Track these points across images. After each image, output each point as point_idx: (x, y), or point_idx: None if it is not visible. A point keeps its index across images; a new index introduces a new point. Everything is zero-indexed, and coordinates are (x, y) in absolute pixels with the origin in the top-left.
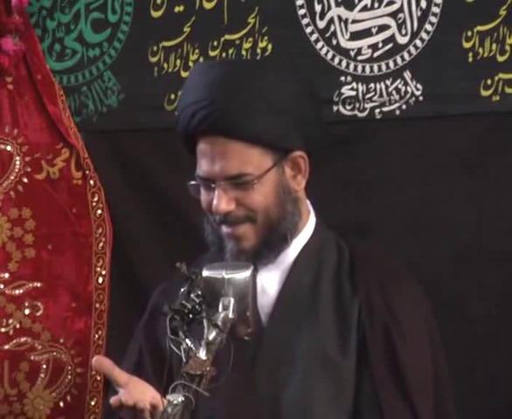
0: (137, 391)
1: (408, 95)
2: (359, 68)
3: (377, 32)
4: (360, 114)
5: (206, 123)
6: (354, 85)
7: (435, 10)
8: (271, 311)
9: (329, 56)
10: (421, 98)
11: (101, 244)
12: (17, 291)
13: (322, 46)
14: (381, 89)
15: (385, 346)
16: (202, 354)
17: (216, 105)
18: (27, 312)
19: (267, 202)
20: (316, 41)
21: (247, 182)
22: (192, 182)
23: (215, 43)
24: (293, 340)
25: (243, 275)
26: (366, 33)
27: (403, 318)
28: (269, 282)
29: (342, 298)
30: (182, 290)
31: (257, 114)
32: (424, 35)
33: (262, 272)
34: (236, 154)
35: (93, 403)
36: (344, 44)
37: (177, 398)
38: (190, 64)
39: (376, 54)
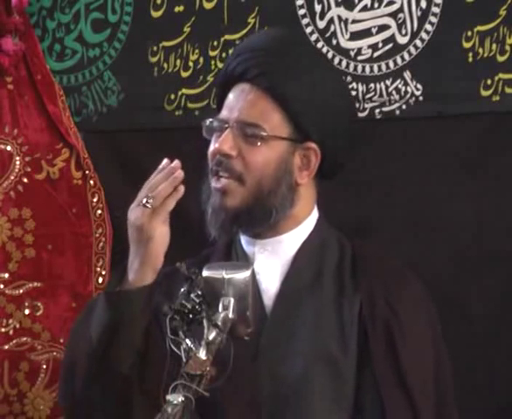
0: None
1: (408, 95)
2: (359, 68)
3: (377, 32)
4: (360, 114)
5: (245, 65)
6: (354, 85)
7: (435, 10)
8: (271, 308)
9: (329, 56)
10: (421, 98)
11: (101, 244)
12: (17, 291)
13: (322, 46)
14: (381, 89)
15: (387, 345)
16: (202, 354)
17: (261, 53)
18: (27, 312)
19: (265, 168)
20: (316, 41)
21: (257, 135)
22: (209, 121)
23: (215, 43)
24: (293, 338)
25: (243, 275)
26: (366, 33)
27: (404, 316)
28: (270, 277)
29: (343, 296)
30: (182, 290)
31: (296, 83)
32: (424, 35)
33: (263, 267)
34: (260, 106)
35: None
36: (344, 44)
37: (177, 398)
38: (190, 64)
39: (376, 54)
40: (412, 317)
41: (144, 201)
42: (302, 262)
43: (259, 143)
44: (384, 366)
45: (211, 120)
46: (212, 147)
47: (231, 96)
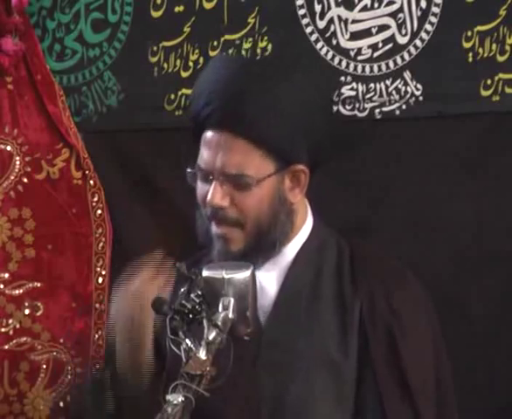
0: None
1: (408, 95)
2: (359, 68)
3: (377, 32)
4: (360, 114)
5: (216, 115)
6: (354, 85)
7: (435, 10)
8: (270, 310)
9: (329, 56)
10: (421, 98)
11: (101, 244)
12: (17, 291)
13: (322, 46)
14: (381, 89)
15: (387, 346)
16: (202, 354)
17: (229, 99)
18: (27, 312)
19: (260, 208)
20: (316, 41)
21: (246, 183)
22: (190, 170)
23: (215, 43)
24: (293, 340)
25: (243, 275)
26: (366, 33)
27: (405, 317)
28: (268, 281)
29: (343, 297)
30: (182, 290)
31: (267, 117)
32: (424, 35)
33: (261, 271)
34: (239, 152)
35: None
36: (344, 44)
37: (177, 398)
38: (190, 64)
39: (376, 54)
40: (413, 317)
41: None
42: (301, 265)
43: (249, 189)
44: (385, 366)
45: (191, 170)
46: (201, 192)
47: (209, 139)
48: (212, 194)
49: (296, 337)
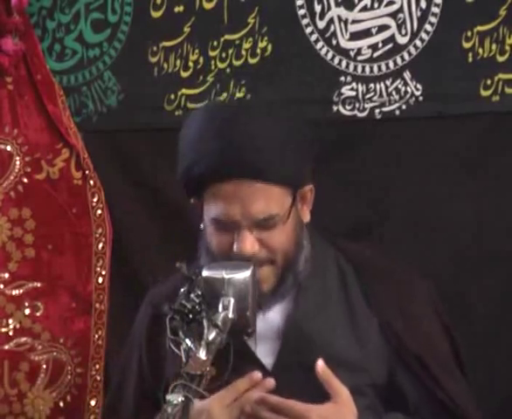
0: None
1: (408, 95)
2: (359, 68)
3: (377, 32)
4: (360, 114)
5: (226, 170)
6: (354, 85)
7: (435, 10)
8: (280, 343)
9: (329, 56)
10: (421, 98)
11: (101, 244)
12: (17, 291)
13: (322, 46)
14: (381, 89)
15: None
16: (202, 354)
17: (238, 151)
18: (27, 312)
19: (288, 240)
20: (316, 41)
21: (275, 223)
22: (217, 218)
23: (215, 43)
24: (309, 371)
25: (243, 275)
26: (366, 33)
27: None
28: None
29: (356, 318)
30: (182, 290)
31: (279, 157)
32: (424, 35)
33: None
34: (261, 195)
35: (93, 403)
36: (344, 44)
37: (177, 398)
38: (190, 64)
39: (376, 54)
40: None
41: None
42: (306, 291)
43: (277, 227)
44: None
45: (217, 217)
46: (221, 242)
47: (222, 191)
48: (244, 243)
49: (312, 366)
